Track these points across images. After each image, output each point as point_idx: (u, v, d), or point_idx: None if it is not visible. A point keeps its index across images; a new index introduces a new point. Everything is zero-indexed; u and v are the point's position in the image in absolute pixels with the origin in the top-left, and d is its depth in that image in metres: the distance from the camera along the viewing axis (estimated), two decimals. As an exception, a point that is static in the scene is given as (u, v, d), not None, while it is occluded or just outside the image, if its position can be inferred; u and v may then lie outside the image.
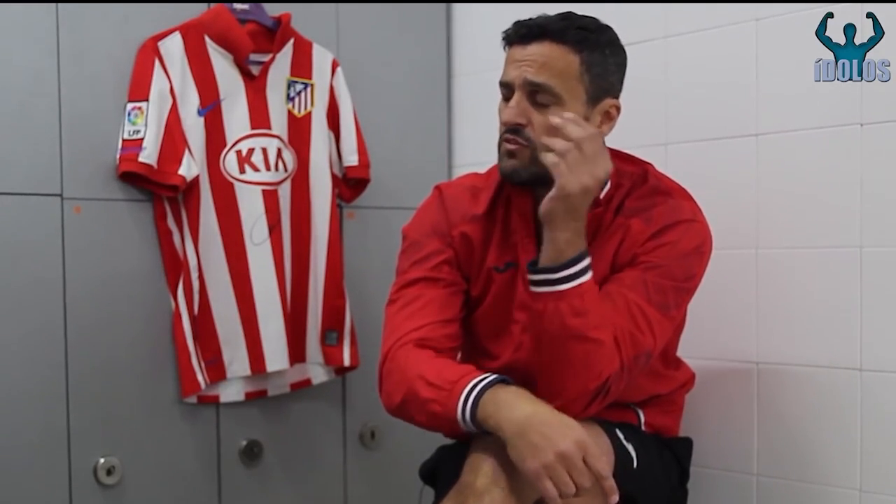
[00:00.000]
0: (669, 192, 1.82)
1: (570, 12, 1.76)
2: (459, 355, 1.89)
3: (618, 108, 1.78)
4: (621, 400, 1.81)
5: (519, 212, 1.83)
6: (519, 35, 1.73)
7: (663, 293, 1.73)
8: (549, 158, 1.64)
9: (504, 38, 1.75)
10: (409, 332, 1.77)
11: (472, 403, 1.61)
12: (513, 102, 1.73)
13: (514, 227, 1.84)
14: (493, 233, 1.86)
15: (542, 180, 1.74)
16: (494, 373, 1.66)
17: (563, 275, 1.64)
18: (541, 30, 1.71)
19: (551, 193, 1.64)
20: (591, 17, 1.76)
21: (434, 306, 1.80)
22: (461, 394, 1.63)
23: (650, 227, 1.77)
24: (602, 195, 1.79)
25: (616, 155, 1.87)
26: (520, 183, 1.78)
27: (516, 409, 1.59)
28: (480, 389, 1.62)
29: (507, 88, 1.75)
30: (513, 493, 1.62)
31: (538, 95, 1.71)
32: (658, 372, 1.89)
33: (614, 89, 1.78)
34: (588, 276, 1.66)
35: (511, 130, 1.73)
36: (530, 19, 1.74)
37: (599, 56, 1.73)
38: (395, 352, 1.76)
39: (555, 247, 1.65)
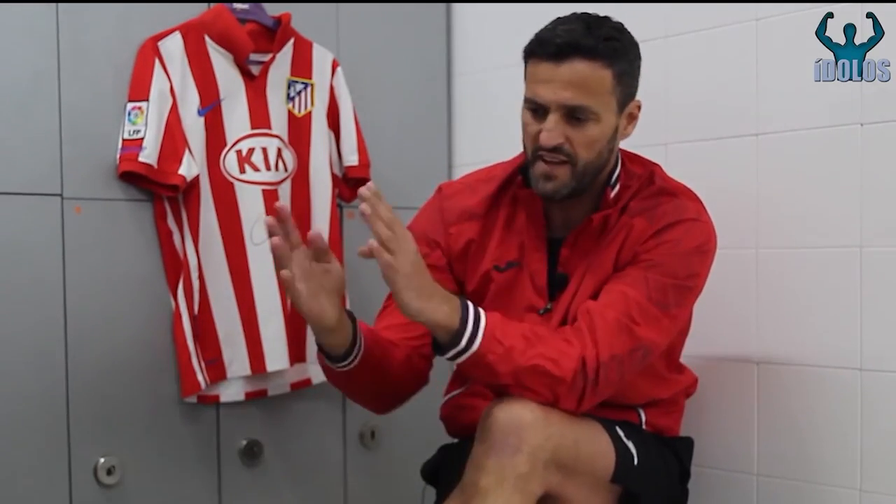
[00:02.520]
0: (675, 192, 1.83)
1: (586, 17, 1.73)
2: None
3: (639, 107, 1.81)
4: (622, 401, 1.82)
5: (527, 213, 1.83)
6: (547, 52, 1.70)
7: (663, 291, 1.74)
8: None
9: (527, 52, 1.73)
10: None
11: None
12: (549, 124, 1.72)
13: (520, 228, 1.84)
14: (494, 231, 1.86)
15: (577, 193, 1.77)
16: None
17: (467, 338, 1.63)
18: (572, 47, 1.69)
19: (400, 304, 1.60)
20: (607, 20, 1.75)
21: None
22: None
23: (652, 226, 1.78)
24: (612, 195, 1.80)
25: (626, 155, 1.88)
26: (560, 200, 1.78)
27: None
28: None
29: (538, 107, 1.73)
30: (517, 491, 1.62)
31: (575, 114, 1.71)
32: (661, 375, 1.89)
33: (636, 90, 1.80)
34: (483, 317, 1.64)
35: (551, 150, 1.73)
36: (556, 33, 1.71)
37: (627, 64, 1.75)
38: None
39: (442, 327, 1.62)
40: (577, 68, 1.69)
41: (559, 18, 1.75)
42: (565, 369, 1.65)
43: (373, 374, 1.77)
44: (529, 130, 1.75)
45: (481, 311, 1.66)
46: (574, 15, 1.75)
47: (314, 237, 1.64)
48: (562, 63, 1.70)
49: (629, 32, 1.78)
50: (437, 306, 1.61)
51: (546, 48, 1.71)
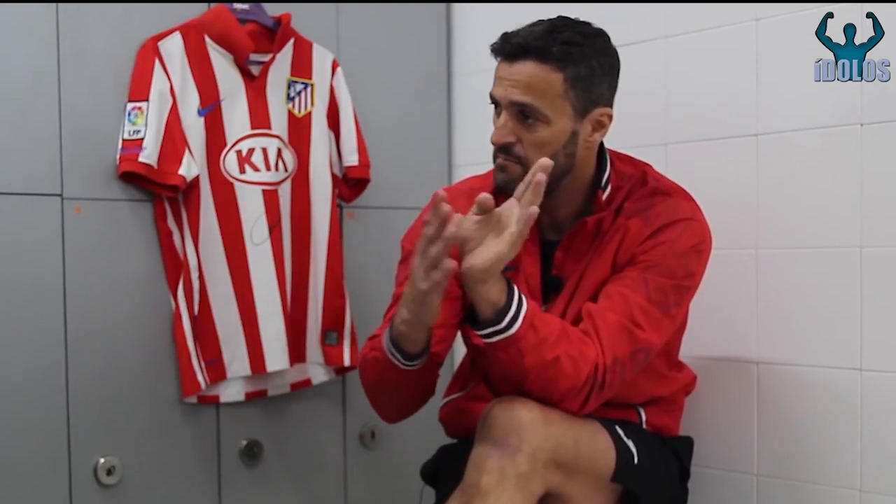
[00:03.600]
0: (668, 192, 1.83)
1: (559, 21, 1.74)
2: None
3: (610, 117, 1.78)
4: (623, 400, 1.81)
5: None
6: (504, 51, 1.72)
7: (663, 292, 1.74)
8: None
9: (492, 51, 1.75)
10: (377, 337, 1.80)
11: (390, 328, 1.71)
12: (500, 122, 1.73)
13: None
14: None
15: None
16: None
17: (508, 320, 1.63)
18: (523, 48, 1.70)
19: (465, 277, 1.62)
20: (579, 25, 1.75)
21: None
22: (385, 329, 1.74)
23: (648, 227, 1.78)
24: (604, 198, 1.80)
25: (616, 156, 1.88)
26: (511, 193, 1.78)
27: None
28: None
29: (496, 103, 1.75)
30: (518, 490, 1.62)
31: (525, 114, 1.71)
32: (661, 373, 1.90)
33: (604, 98, 1.76)
34: (526, 304, 1.66)
35: (501, 149, 1.74)
36: (516, 33, 1.72)
37: (585, 69, 1.71)
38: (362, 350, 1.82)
39: (487, 303, 1.63)
40: (527, 68, 1.70)
41: (538, 20, 1.75)
42: (581, 372, 1.66)
43: (421, 376, 1.77)
44: (492, 127, 1.77)
45: (524, 296, 1.67)
46: (553, 18, 1.75)
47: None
48: (514, 62, 1.71)
49: (602, 41, 1.76)
50: (495, 282, 1.62)
51: (503, 47, 1.73)
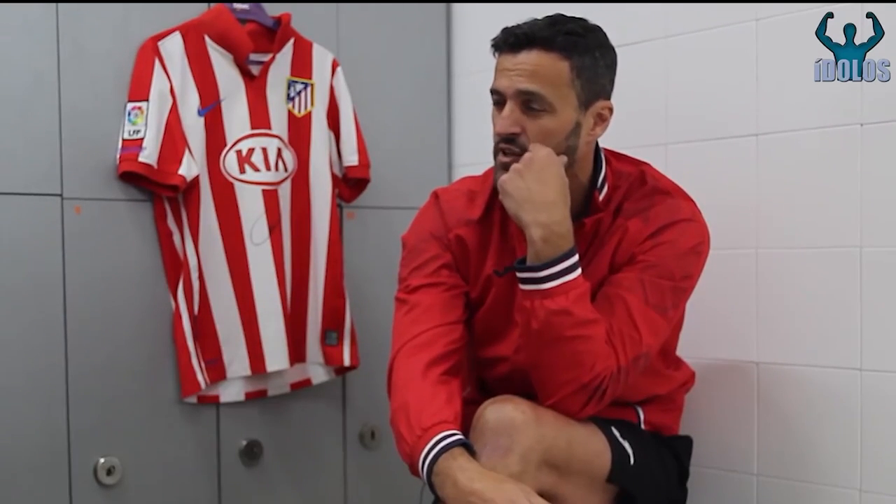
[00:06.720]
0: (668, 191, 1.83)
1: (559, 16, 1.75)
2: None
3: (610, 110, 1.78)
4: (620, 399, 1.81)
5: None
6: (507, 43, 1.72)
7: (661, 294, 1.74)
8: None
9: (493, 46, 1.75)
10: (414, 337, 1.77)
11: (428, 468, 1.61)
12: (506, 112, 1.72)
13: (514, 233, 1.84)
14: (492, 237, 1.86)
15: None
16: (459, 431, 1.64)
17: (546, 273, 1.64)
18: (529, 38, 1.70)
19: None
20: (579, 20, 1.76)
21: (436, 310, 1.80)
22: (422, 452, 1.62)
23: (648, 227, 1.77)
24: (601, 198, 1.80)
25: (613, 155, 1.88)
26: None
27: (458, 484, 1.57)
28: (436, 454, 1.60)
29: (499, 96, 1.75)
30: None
31: (530, 104, 1.71)
32: (658, 371, 1.89)
33: (605, 91, 1.77)
34: (575, 275, 1.66)
35: (506, 140, 1.73)
36: (518, 26, 1.73)
37: (589, 60, 1.72)
38: (399, 360, 1.77)
39: (532, 246, 1.65)
40: (533, 57, 1.70)
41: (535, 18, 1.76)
42: (595, 373, 1.65)
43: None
44: (493, 123, 1.77)
45: (579, 270, 1.67)
46: (550, 15, 1.76)
47: None
48: (519, 53, 1.71)
49: (602, 34, 1.77)
50: (551, 225, 1.65)
51: (507, 40, 1.73)
